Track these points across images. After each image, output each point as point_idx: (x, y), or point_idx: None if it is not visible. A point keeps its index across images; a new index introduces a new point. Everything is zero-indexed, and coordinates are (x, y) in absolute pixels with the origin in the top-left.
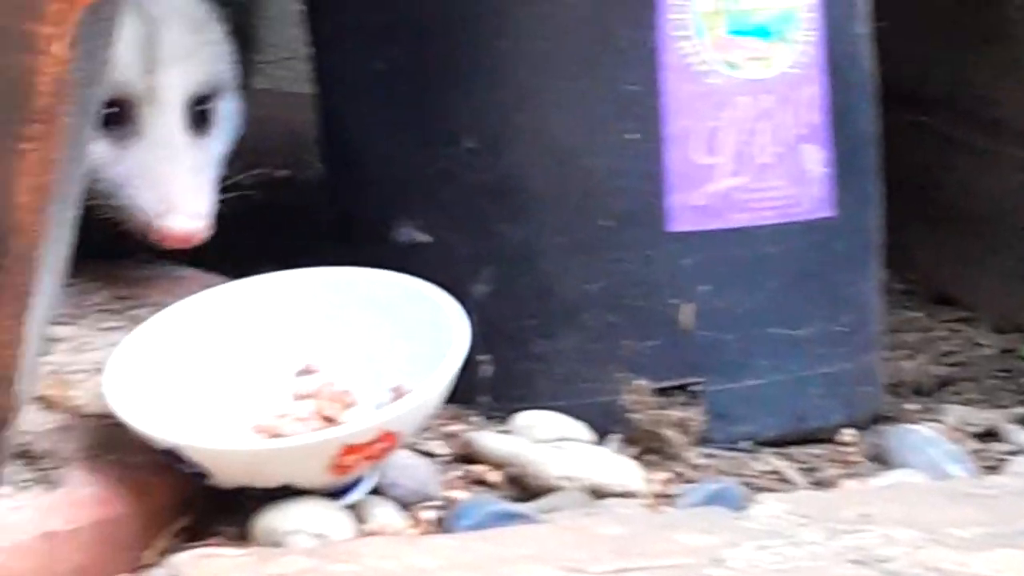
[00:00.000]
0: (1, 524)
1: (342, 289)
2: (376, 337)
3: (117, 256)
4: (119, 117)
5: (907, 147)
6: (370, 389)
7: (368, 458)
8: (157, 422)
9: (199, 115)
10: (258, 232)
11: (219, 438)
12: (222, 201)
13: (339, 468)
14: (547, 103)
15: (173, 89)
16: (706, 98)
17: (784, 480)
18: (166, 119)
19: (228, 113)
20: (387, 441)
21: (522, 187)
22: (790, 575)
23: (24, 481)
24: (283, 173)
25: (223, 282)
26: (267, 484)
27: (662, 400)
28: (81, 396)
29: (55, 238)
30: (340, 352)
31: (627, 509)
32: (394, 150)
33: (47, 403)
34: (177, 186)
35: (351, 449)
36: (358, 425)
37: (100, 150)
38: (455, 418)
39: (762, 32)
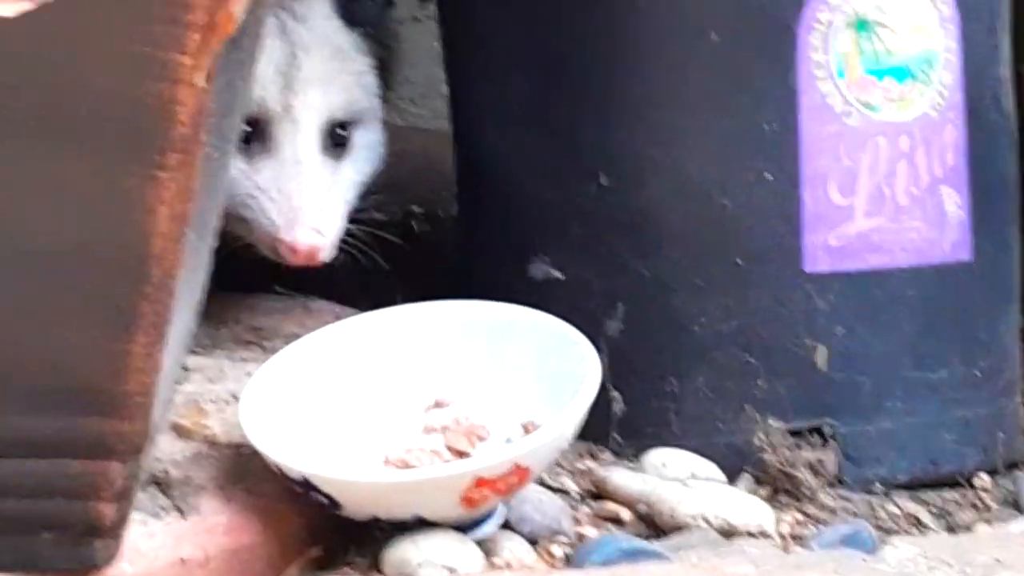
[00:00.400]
0: (135, 550)
1: (474, 323)
2: (507, 372)
3: (252, 288)
4: (255, 135)
5: None
6: (500, 423)
7: (499, 492)
8: (290, 452)
9: (335, 140)
10: (393, 266)
11: (351, 469)
12: (356, 234)
13: (470, 501)
14: (684, 141)
15: (309, 110)
16: (844, 139)
17: (917, 524)
18: (300, 138)
19: (366, 142)
20: (519, 475)
21: (657, 224)
22: None
23: (158, 508)
24: (418, 208)
25: (355, 314)
26: (398, 516)
27: (795, 441)
28: (215, 425)
29: (192, 267)
30: (471, 386)
31: (758, 549)
32: (529, 186)
33: (181, 431)
34: (304, 200)
35: (483, 482)
36: (491, 458)
37: (235, 165)
38: (586, 455)
39: (902, 73)
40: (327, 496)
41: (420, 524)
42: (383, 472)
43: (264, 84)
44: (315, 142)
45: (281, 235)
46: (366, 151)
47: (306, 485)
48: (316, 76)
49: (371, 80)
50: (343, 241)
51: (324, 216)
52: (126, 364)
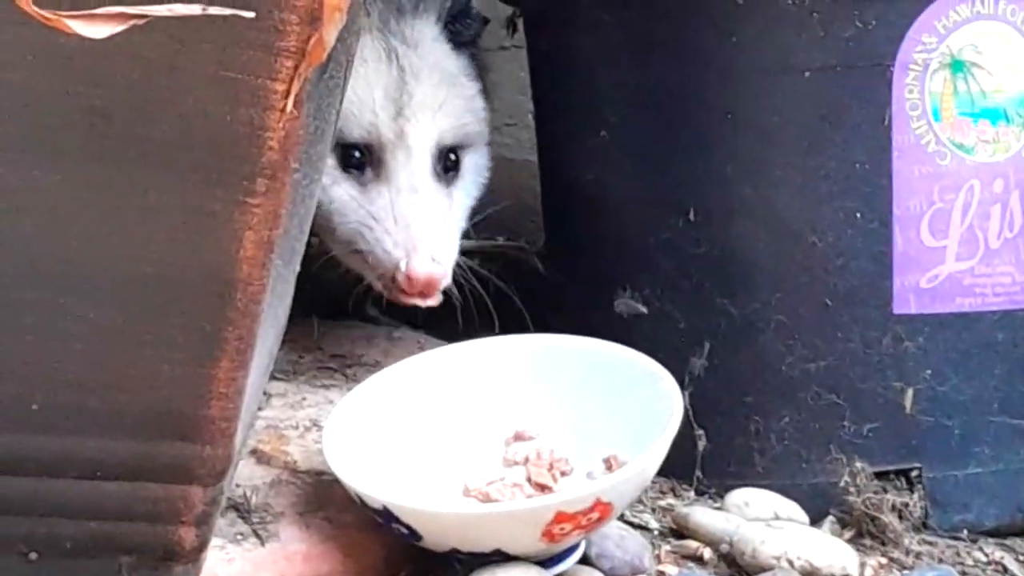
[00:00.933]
0: (213, 575)
1: (556, 356)
2: (589, 406)
3: (335, 315)
4: (367, 161)
5: None
6: (582, 458)
7: (580, 527)
8: (371, 482)
9: (446, 165)
10: (478, 297)
11: (432, 500)
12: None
13: (551, 536)
14: (774, 177)
15: (422, 136)
16: (936, 180)
17: (1004, 571)
18: (414, 165)
19: (475, 166)
20: (601, 511)
21: (745, 261)
22: None
23: (237, 534)
24: (504, 241)
25: (439, 345)
26: (478, 549)
27: (880, 484)
28: (295, 451)
29: (278, 293)
30: (552, 419)
31: None
32: (617, 219)
33: (261, 457)
34: (422, 229)
35: (564, 517)
36: (573, 493)
37: (345, 193)
38: (668, 491)
39: (996, 115)
40: (407, 526)
41: (500, 557)
42: (465, 504)
43: (375, 110)
44: (428, 168)
45: (400, 265)
46: (475, 174)
47: (386, 515)
48: (427, 102)
49: (479, 103)
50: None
51: (442, 244)
52: (210, 389)
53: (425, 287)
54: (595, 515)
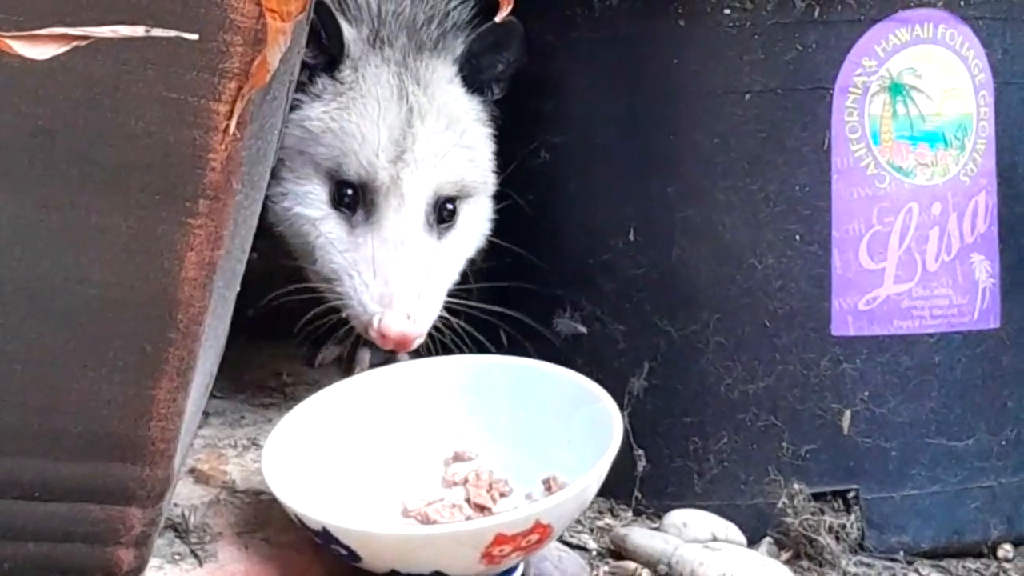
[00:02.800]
0: None
1: (495, 376)
2: (528, 427)
3: (275, 335)
4: (359, 201)
5: None
6: (521, 479)
7: (520, 549)
8: (310, 502)
9: (442, 216)
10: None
11: (372, 522)
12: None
13: (490, 558)
14: (715, 199)
15: (419, 185)
16: (875, 202)
17: None
18: (405, 214)
19: (473, 217)
20: (540, 532)
21: (685, 283)
22: None
23: (175, 554)
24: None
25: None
26: (417, 570)
27: (818, 505)
28: (233, 471)
29: (219, 313)
30: (491, 440)
31: None
32: (558, 240)
33: (200, 476)
34: (400, 285)
35: (504, 539)
36: (513, 515)
37: (333, 232)
38: (606, 512)
39: (935, 138)
40: (346, 548)
41: None
42: (404, 526)
43: (376, 150)
44: (421, 219)
45: (372, 320)
46: (472, 226)
47: (325, 536)
48: (430, 149)
49: (485, 152)
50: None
51: (420, 302)
52: (150, 410)
53: (398, 344)
54: (535, 537)
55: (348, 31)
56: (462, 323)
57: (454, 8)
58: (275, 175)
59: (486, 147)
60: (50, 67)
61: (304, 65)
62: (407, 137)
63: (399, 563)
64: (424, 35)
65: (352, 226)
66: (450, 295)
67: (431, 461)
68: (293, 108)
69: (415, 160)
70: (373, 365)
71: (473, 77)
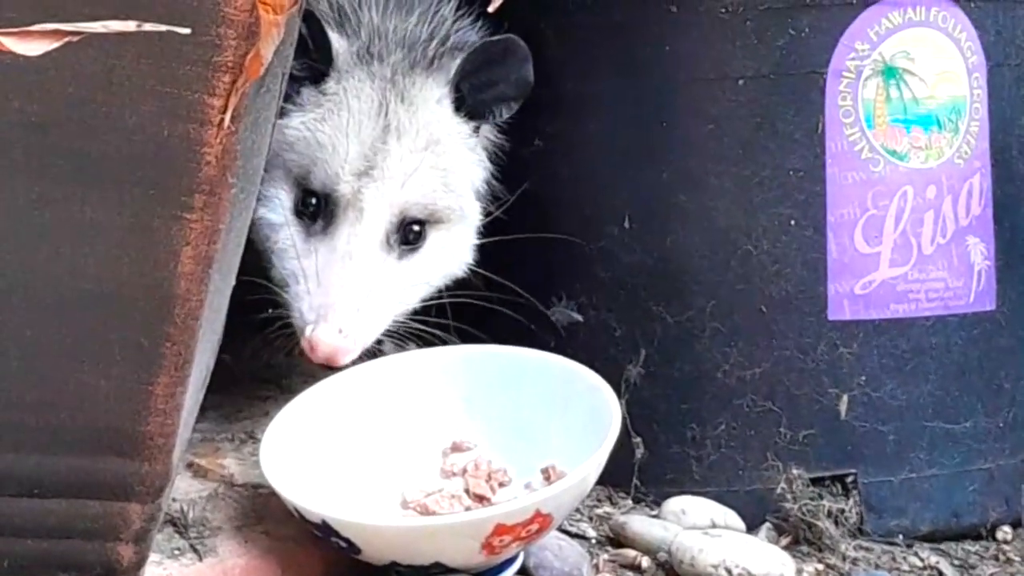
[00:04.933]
0: None
1: (493, 366)
2: (526, 416)
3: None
4: (320, 212)
5: None
6: (520, 469)
7: (520, 539)
8: (309, 495)
9: (406, 238)
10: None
11: (372, 514)
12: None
13: (491, 548)
14: (710, 185)
15: (379, 201)
16: (870, 186)
17: (940, 575)
18: (360, 229)
19: (444, 244)
20: (540, 522)
21: (681, 269)
22: None
23: (175, 549)
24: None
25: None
26: (417, 562)
27: (816, 490)
28: (231, 464)
29: (215, 307)
30: (489, 430)
31: None
32: (554, 228)
33: (198, 470)
34: (338, 298)
35: (504, 529)
36: (514, 505)
37: (289, 238)
38: (605, 500)
39: (929, 121)
40: (346, 540)
41: (439, 570)
42: (404, 518)
43: (343, 163)
44: (378, 236)
45: (306, 330)
46: (441, 254)
47: (325, 529)
48: (400, 167)
49: (468, 178)
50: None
51: (358, 318)
52: (147, 405)
53: (328, 358)
54: (535, 527)
55: (337, 43)
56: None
57: (458, 29)
58: None
59: (470, 173)
60: (43, 63)
61: (292, 77)
62: (378, 153)
63: (399, 555)
64: (421, 53)
65: (309, 235)
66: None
67: (429, 452)
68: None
69: (382, 176)
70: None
71: (468, 99)
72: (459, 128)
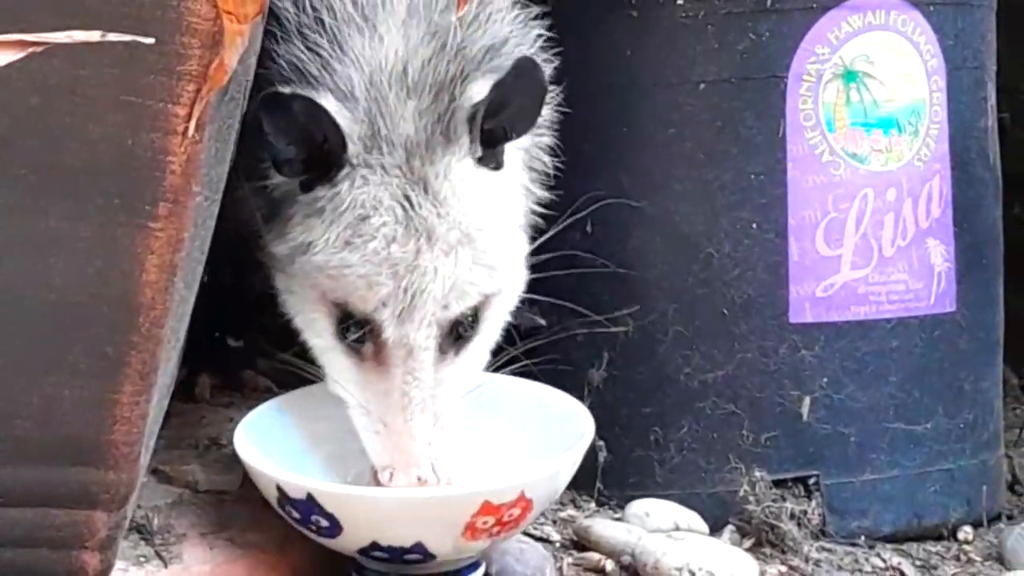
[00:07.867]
0: None
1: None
2: (495, 442)
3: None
4: (368, 336)
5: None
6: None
7: (500, 524)
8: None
9: (458, 334)
10: None
11: (357, 487)
12: None
13: (472, 530)
14: (671, 190)
15: (426, 336)
16: (831, 189)
17: None
18: (414, 366)
19: (498, 314)
20: (522, 507)
21: (642, 273)
22: None
23: (140, 556)
24: None
25: None
26: (398, 542)
27: (779, 492)
28: (196, 471)
29: (179, 315)
30: (463, 458)
31: None
32: None
33: (162, 477)
34: (411, 450)
35: (489, 508)
36: (502, 483)
37: (341, 363)
38: (568, 503)
39: (889, 124)
40: (329, 516)
41: (419, 553)
42: (391, 489)
43: (382, 299)
44: (430, 360)
45: (382, 476)
46: (494, 325)
47: (308, 505)
48: (438, 285)
49: (512, 247)
50: None
51: (431, 453)
52: (113, 414)
53: None
54: (516, 511)
55: (348, 127)
56: None
57: (467, 80)
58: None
59: (512, 240)
60: (6, 74)
61: (303, 185)
62: (413, 272)
63: (381, 531)
64: (432, 119)
65: (362, 358)
66: None
67: None
68: (287, 218)
69: (423, 304)
70: None
71: (490, 150)
72: (495, 188)
